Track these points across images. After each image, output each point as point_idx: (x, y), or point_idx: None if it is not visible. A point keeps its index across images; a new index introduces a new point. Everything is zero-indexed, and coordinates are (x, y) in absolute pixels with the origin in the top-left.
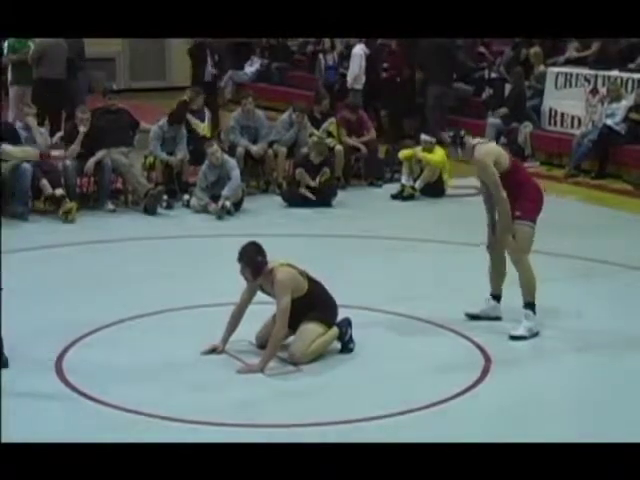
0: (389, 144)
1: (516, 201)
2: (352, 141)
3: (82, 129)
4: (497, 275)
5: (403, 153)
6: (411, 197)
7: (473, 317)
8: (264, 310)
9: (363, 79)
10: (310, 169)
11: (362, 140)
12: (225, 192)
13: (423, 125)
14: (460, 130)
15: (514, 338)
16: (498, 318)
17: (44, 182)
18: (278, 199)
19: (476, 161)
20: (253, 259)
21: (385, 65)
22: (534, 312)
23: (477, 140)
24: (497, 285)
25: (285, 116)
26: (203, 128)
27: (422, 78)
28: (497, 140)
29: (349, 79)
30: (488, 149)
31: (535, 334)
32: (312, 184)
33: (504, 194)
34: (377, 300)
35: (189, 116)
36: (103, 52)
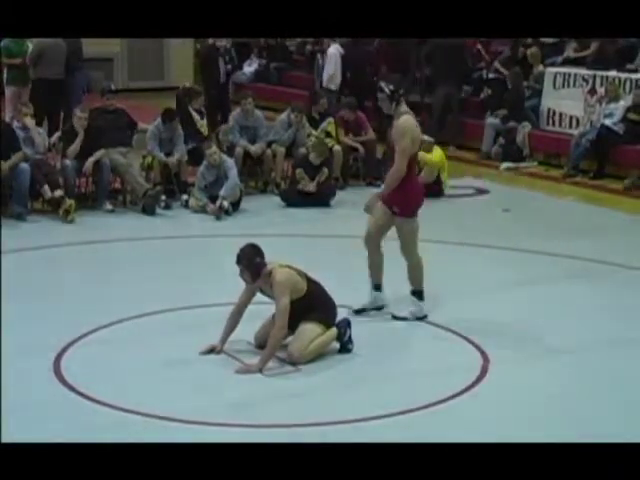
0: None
1: (396, 193)
2: (350, 141)
3: (80, 129)
4: (376, 266)
5: None
6: None
7: (359, 312)
8: (263, 310)
9: (339, 79)
10: (309, 169)
11: (360, 139)
12: (222, 192)
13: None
14: (401, 89)
15: (395, 317)
16: (382, 307)
17: (45, 188)
18: (276, 199)
19: (399, 125)
20: (252, 261)
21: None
22: (420, 299)
23: (409, 111)
24: (378, 276)
25: (283, 116)
26: (201, 125)
27: (429, 77)
28: (495, 140)
29: (324, 79)
30: (414, 125)
31: (421, 318)
32: (311, 189)
33: (405, 166)
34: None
35: (193, 112)
36: (101, 52)
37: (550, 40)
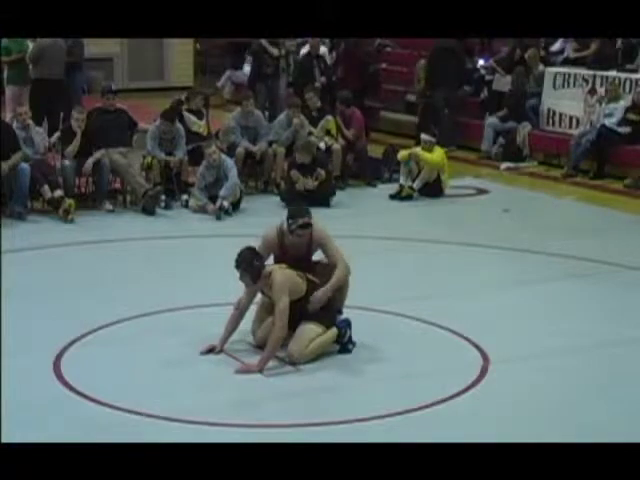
0: None
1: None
2: (346, 132)
3: (78, 130)
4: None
5: (402, 153)
6: (409, 197)
7: None
8: None
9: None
10: (303, 169)
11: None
12: (222, 192)
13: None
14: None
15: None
16: None
17: (45, 188)
18: (276, 199)
19: (323, 236)
20: (251, 264)
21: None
22: None
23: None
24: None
25: (283, 116)
26: (199, 126)
27: (429, 79)
28: (495, 140)
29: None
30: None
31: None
32: (310, 186)
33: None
34: (376, 300)
35: (186, 114)
36: (101, 52)
37: (555, 48)
